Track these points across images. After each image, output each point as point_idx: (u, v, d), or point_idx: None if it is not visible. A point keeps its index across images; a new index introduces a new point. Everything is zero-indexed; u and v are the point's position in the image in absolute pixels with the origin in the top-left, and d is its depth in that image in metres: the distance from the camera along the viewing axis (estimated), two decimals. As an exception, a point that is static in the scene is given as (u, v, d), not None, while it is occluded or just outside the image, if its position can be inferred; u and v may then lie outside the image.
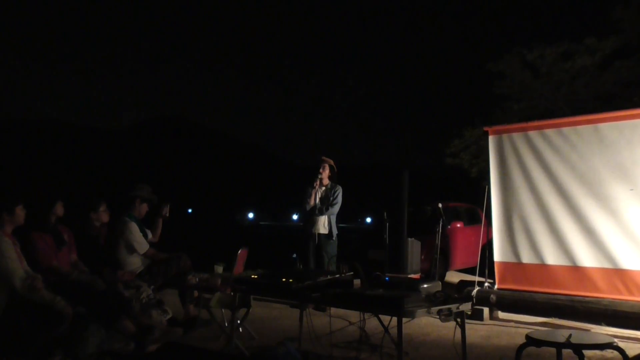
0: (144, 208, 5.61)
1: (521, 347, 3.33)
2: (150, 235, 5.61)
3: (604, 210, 5.97)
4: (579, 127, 6.27)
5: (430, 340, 5.46)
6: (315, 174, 7.24)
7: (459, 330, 3.93)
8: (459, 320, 3.89)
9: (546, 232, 6.36)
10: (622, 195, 5.86)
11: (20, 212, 4.42)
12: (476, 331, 5.73)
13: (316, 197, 7.19)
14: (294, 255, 5.15)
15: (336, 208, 7.20)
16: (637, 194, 5.77)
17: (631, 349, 4.13)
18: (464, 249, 10.46)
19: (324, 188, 7.25)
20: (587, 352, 3.20)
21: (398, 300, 3.56)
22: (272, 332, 5.68)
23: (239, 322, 5.20)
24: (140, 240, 5.39)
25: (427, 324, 5.78)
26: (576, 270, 6.12)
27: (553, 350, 3.34)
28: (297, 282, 4.08)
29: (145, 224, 5.70)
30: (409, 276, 6.79)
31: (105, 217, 5.51)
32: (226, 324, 5.27)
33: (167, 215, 5.74)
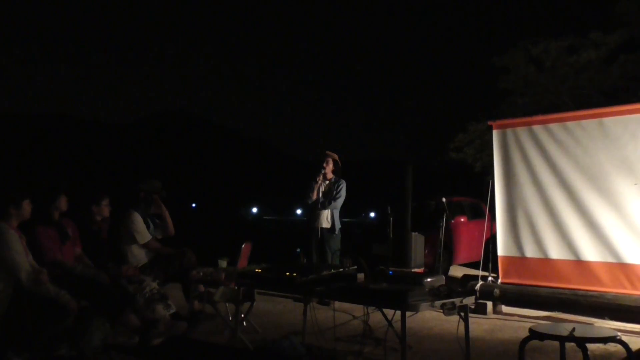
0: (151, 202, 5.61)
1: (524, 341, 3.33)
2: (153, 229, 5.60)
3: (608, 204, 5.96)
4: (584, 122, 6.26)
5: (433, 334, 5.47)
6: (319, 168, 7.25)
7: (462, 324, 3.95)
8: (462, 314, 3.91)
9: (550, 226, 6.36)
10: (626, 190, 5.85)
11: (27, 207, 4.43)
12: (479, 325, 5.74)
13: (319, 191, 7.19)
14: (298, 250, 5.17)
15: (339, 202, 7.20)
16: (641, 188, 5.76)
17: (634, 343, 4.12)
18: (467, 243, 10.46)
19: (327, 182, 7.25)
20: (590, 346, 3.20)
21: (402, 294, 3.57)
22: (276, 326, 5.70)
23: (243, 316, 5.22)
24: (141, 230, 5.39)
25: (430, 318, 5.79)
26: (580, 264, 6.12)
27: (556, 344, 3.35)
28: (301, 276, 4.09)
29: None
30: (413, 270, 6.82)
31: (106, 212, 5.51)
32: (230, 318, 5.29)
33: (152, 209, 5.67)
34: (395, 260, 6.97)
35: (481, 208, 11.03)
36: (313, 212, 7.20)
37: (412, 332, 5.14)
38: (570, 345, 3.27)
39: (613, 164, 5.96)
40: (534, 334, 3.28)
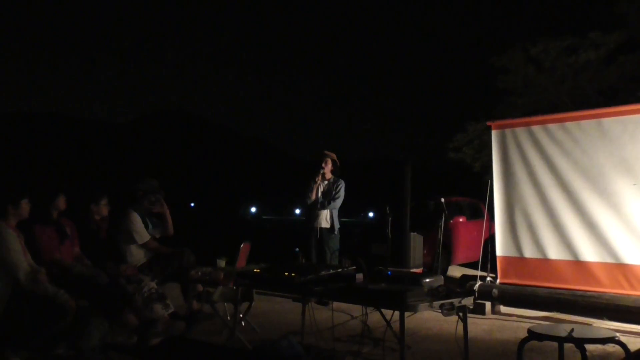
0: (149, 201, 5.59)
1: (523, 342, 3.33)
2: (152, 228, 5.59)
3: (607, 204, 5.96)
4: (583, 122, 6.26)
5: (432, 334, 5.47)
6: (317, 168, 7.25)
7: (461, 324, 3.94)
8: (461, 314, 3.90)
9: (549, 226, 6.36)
10: (625, 190, 5.85)
11: (25, 206, 4.43)
12: (478, 325, 5.74)
13: (318, 191, 7.19)
14: (297, 249, 5.16)
15: (338, 202, 7.20)
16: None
17: (633, 344, 4.13)
18: (466, 243, 10.46)
19: (326, 182, 7.25)
20: (588, 347, 3.20)
21: (400, 294, 3.56)
22: (274, 326, 5.70)
23: (241, 316, 5.22)
24: (140, 230, 5.37)
25: (429, 318, 5.79)
26: (578, 264, 6.12)
27: (555, 344, 3.35)
28: (300, 276, 4.09)
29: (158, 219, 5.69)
30: (412, 270, 6.81)
31: (105, 211, 5.50)
32: (229, 318, 5.29)
33: (155, 207, 5.66)
34: (394, 260, 6.97)
35: (480, 208, 11.03)
36: (312, 212, 7.20)
37: (411, 332, 5.14)
38: (568, 345, 3.27)
39: (612, 164, 5.96)
40: (532, 335, 3.28)
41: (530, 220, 6.51)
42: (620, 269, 5.83)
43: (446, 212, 8.65)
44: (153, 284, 4.92)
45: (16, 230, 4.38)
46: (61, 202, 4.94)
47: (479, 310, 6.32)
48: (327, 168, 7.24)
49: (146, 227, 5.46)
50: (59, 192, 4.96)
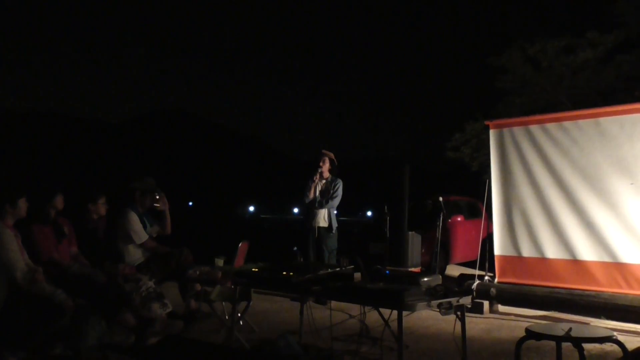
0: (146, 200, 5.58)
1: (521, 341, 3.33)
2: (150, 227, 5.58)
3: (605, 204, 5.97)
4: (580, 122, 6.27)
5: (430, 333, 5.48)
6: (315, 167, 7.24)
7: (459, 323, 3.95)
8: (459, 313, 3.91)
9: (546, 225, 6.36)
10: (622, 190, 5.86)
11: (22, 205, 4.42)
12: (476, 324, 5.75)
13: (316, 190, 7.19)
14: (295, 249, 5.16)
15: (336, 201, 7.20)
16: (637, 188, 5.77)
17: (630, 343, 4.13)
18: (464, 242, 10.47)
19: (324, 181, 7.25)
20: (586, 346, 3.20)
21: (398, 293, 3.57)
22: (272, 325, 5.69)
23: (239, 315, 5.21)
24: (138, 230, 5.36)
25: (427, 317, 5.79)
26: (576, 263, 6.12)
27: (553, 343, 3.35)
28: (298, 276, 4.09)
29: (155, 218, 5.68)
30: (410, 269, 6.81)
31: (103, 210, 5.50)
32: (227, 317, 5.28)
33: (159, 205, 5.65)
34: (392, 259, 6.96)
35: (478, 207, 11.04)
36: (310, 211, 7.20)
37: (409, 331, 5.14)
38: (566, 344, 3.27)
39: (609, 163, 5.97)
40: (530, 334, 3.28)
41: (528, 219, 6.51)
42: (618, 268, 5.84)
43: (444, 211, 8.66)
44: (151, 283, 4.92)
45: (13, 230, 4.37)
46: (59, 202, 4.94)
47: (477, 309, 6.32)
48: (325, 167, 7.24)
49: (144, 226, 5.46)
50: (57, 191, 4.95)
